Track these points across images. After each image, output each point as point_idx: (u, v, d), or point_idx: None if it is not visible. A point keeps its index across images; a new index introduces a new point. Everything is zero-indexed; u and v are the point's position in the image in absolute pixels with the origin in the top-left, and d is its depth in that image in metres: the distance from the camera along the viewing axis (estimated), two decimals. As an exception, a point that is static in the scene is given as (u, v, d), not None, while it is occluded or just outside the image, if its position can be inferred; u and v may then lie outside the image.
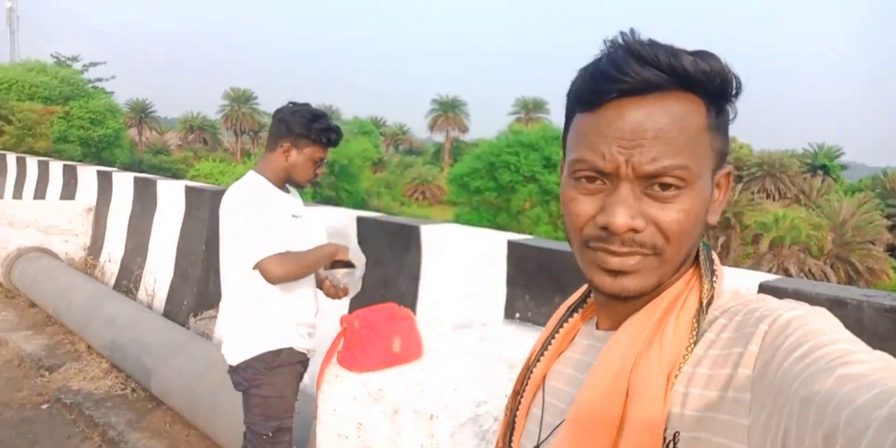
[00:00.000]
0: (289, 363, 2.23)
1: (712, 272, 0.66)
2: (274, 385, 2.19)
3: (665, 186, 0.60)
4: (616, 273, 0.63)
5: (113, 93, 37.35)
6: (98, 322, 4.57)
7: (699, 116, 0.61)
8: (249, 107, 58.23)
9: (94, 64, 37.70)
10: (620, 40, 0.61)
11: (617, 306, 0.67)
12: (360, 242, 3.79)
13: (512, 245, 2.97)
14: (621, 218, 0.60)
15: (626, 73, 0.59)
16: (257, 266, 2.09)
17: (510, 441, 0.76)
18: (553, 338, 0.75)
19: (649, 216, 0.61)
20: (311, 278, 2.36)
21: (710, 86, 0.61)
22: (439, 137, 65.62)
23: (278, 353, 2.20)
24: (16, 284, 5.91)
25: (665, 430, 0.58)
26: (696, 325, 0.62)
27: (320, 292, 2.43)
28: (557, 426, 0.69)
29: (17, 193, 9.06)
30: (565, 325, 0.75)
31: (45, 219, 6.48)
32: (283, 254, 2.10)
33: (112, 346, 4.31)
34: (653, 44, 0.59)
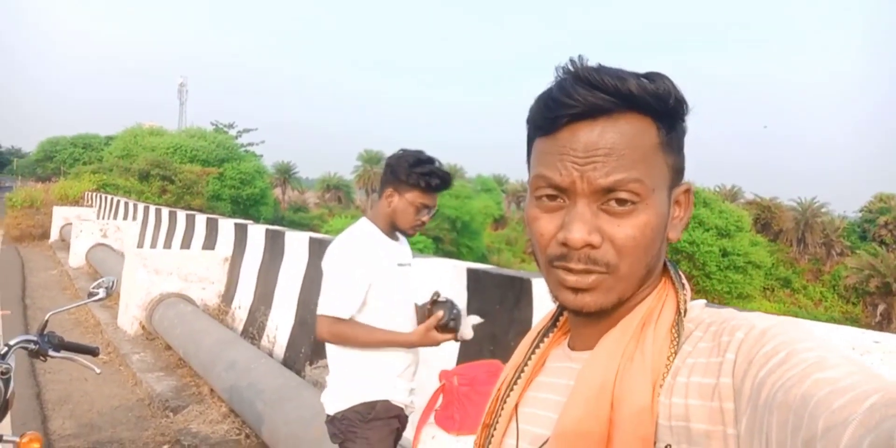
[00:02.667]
0: (384, 417, 2.13)
1: (682, 283, 0.68)
2: (368, 439, 2.09)
3: (621, 202, 0.62)
4: (577, 290, 0.64)
5: (262, 156, 41.00)
6: (220, 366, 4.74)
7: (650, 135, 0.64)
8: (381, 167, 61.17)
9: (247, 130, 41.75)
10: (570, 67, 0.63)
11: (591, 325, 0.69)
12: (469, 294, 3.70)
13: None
14: (578, 233, 0.62)
15: (575, 98, 0.62)
16: (317, 317, 2.09)
17: None
18: (526, 365, 0.74)
19: (605, 232, 0.63)
20: (410, 327, 2.26)
21: (658, 105, 0.63)
22: (564, 195, 64.88)
23: (373, 404, 2.11)
24: (156, 327, 6.34)
25: (655, 443, 0.58)
26: (675, 335, 0.63)
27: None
28: None
29: (167, 243, 9.93)
30: (537, 351, 0.75)
31: (185, 267, 6.97)
32: (341, 320, 2.07)
33: (231, 391, 4.43)
34: (600, 69, 0.62)
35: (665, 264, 0.70)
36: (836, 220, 46.68)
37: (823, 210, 46.47)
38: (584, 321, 0.70)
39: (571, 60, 0.64)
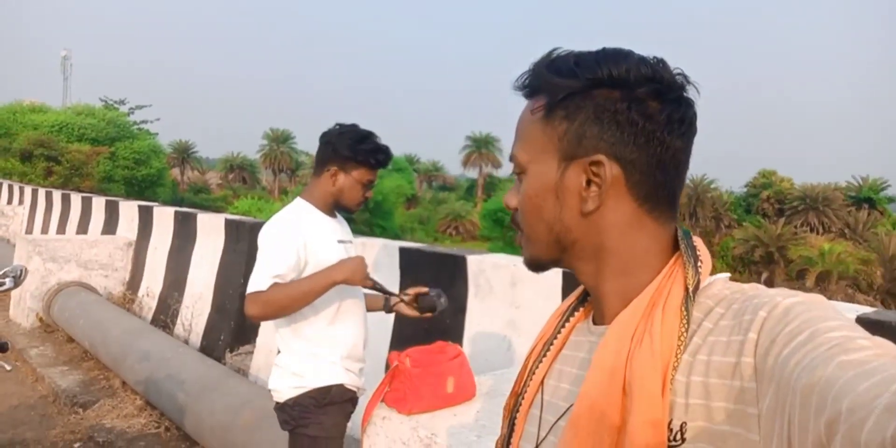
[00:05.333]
0: (339, 401, 2.07)
1: (696, 258, 0.65)
2: (322, 424, 2.03)
3: (518, 173, 0.72)
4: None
5: (157, 134, 38.60)
6: (133, 357, 4.46)
7: (537, 111, 0.69)
8: (288, 146, 59.49)
9: (139, 107, 39.15)
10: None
11: (601, 300, 0.71)
12: (402, 274, 3.65)
13: (567, 276, 2.78)
14: (504, 198, 0.75)
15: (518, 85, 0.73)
16: (245, 298, 1.92)
17: (509, 443, 0.77)
18: (555, 338, 0.76)
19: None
20: (359, 304, 2.19)
21: (536, 83, 0.70)
22: (473, 173, 65.68)
23: (328, 389, 2.04)
24: (55, 319, 5.89)
25: (670, 421, 0.58)
26: (684, 312, 0.62)
27: (369, 319, 2.25)
28: (555, 423, 0.70)
29: (62, 229, 9.21)
30: (567, 324, 0.76)
31: (85, 254, 6.49)
32: (266, 292, 1.89)
33: (146, 383, 4.19)
34: (537, 63, 0.70)
35: (677, 239, 0.68)
36: (725, 195, 49.98)
37: (713, 186, 49.59)
38: (591, 294, 0.73)
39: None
